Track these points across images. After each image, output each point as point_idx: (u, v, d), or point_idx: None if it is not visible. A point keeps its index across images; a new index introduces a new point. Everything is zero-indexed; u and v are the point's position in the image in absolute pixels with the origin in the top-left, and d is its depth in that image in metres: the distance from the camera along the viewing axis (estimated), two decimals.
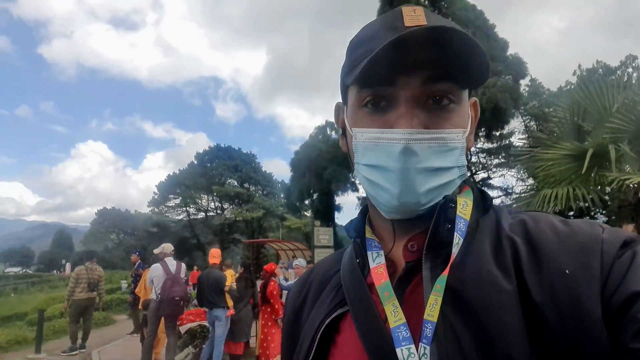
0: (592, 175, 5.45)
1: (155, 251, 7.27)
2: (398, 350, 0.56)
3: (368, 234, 0.72)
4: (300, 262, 8.42)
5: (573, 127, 5.97)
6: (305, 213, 34.04)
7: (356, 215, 0.77)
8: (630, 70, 23.04)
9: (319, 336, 0.67)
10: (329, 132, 33.16)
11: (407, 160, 0.58)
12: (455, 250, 0.59)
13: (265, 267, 7.62)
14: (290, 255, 22.26)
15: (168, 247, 7.24)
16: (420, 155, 0.58)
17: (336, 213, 30.74)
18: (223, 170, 47.78)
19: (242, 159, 49.43)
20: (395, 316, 0.59)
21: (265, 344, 6.98)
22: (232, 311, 6.84)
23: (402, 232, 0.66)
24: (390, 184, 0.60)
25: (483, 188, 0.76)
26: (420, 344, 0.56)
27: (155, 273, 6.67)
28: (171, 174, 49.54)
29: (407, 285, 0.63)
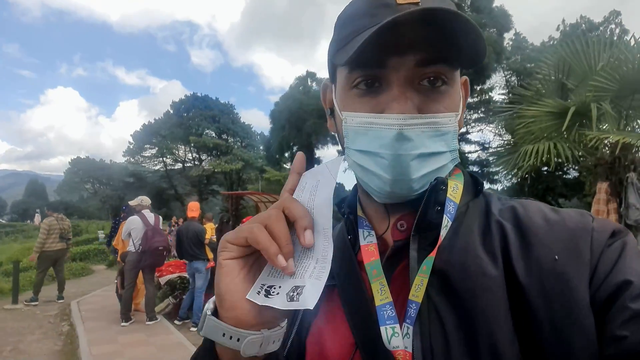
0: (573, 132, 5.49)
1: (132, 203, 7.17)
2: (382, 329, 0.57)
3: (359, 212, 0.71)
4: None
5: (557, 84, 5.95)
6: (285, 165, 33.94)
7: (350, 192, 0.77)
8: (612, 26, 22.98)
9: None
10: (309, 83, 32.49)
11: (401, 147, 0.57)
12: (443, 233, 0.59)
13: (244, 219, 7.71)
14: (269, 207, 22.41)
15: (146, 199, 7.17)
16: (415, 140, 0.57)
17: (316, 166, 30.78)
18: (200, 120, 46.73)
19: (220, 109, 48.31)
20: (381, 295, 0.60)
21: None
22: (212, 263, 6.93)
23: (393, 212, 0.66)
24: (382, 171, 0.59)
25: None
26: (404, 323, 0.57)
27: (133, 225, 6.63)
28: (146, 123, 48.25)
29: (396, 265, 0.63)
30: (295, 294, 0.51)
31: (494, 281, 0.54)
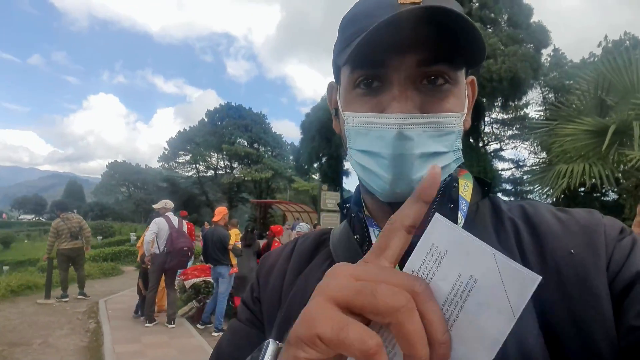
0: (612, 152, 5.25)
1: (156, 206, 7.34)
2: None
3: (365, 212, 0.70)
4: (303, 226, 8.42)
5: (596, 101, 5.72)
6: (313, 176, 34.07)
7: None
8: None
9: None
10: None
11: (401, 146, 0.56)
12: None
13: (272, 227, 7.76)
14: (296, 217, 22.48)
15: (169, 203, 7.32)
16: (416, 140, 0.56)
17: (344, 178, 30.70)
18: (233, 129, 47.67)
19: (252, 118, 49.17)
20: None
21: None
22: (235, 269, 6.97)
23: None
24: (383, 171, 0.58)
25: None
26: None
27: (159, 227, 6.76)
28: (181, 130, 49.66)
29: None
30: None
31: None
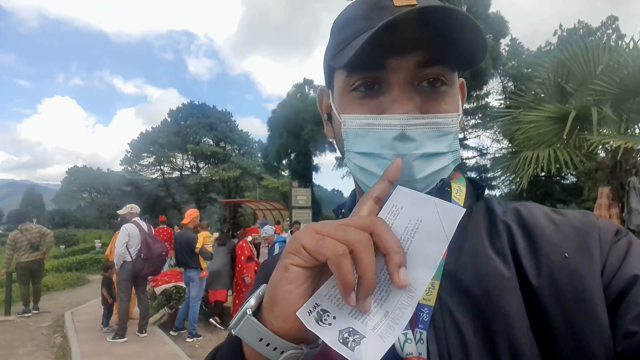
0: (574, 137, 5.42)
1: (121, 212, 7.04)
2: None
3: None
4: (268, 230, 8.29)
5: (556, 89, 5.89)
6: (282, 173, 33.90)
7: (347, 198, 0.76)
8: (610, 31, 23.04)
9: None
10: (307, 90, 32.50)
11: (403, 147, 0.56)
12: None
13: (248, 229, 7.82)
14: (267, 215, 22.31)
15: (135, 207, 7.05)
16: (418, 140, 0.56)
17: (314, 173, 30.74)
18: (198, 128, 46.65)
19: (217, 117, 48.26)
20: None
21: (237, 301, 7.27)
22: (205, 273, 6.81)
23: None
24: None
25: (468, 176, 0.73)
26: (416, 329, 0.55)
27: (132, 233, 6.49)
28: (144, 131, 48.12)
29: None
30: (350, 338, 0.45)
31: (508, 281, 0.54)
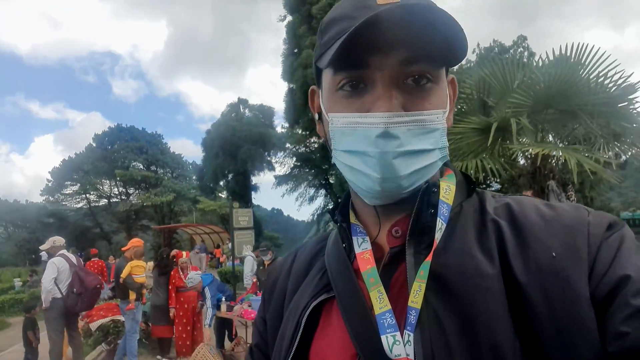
0: (497, 147, 5.87)
1: (44, 247, 6.39)
2: (383, 338, 0.56)
3: (352, 219, 0.70)
4: (193, 278, 6.87)
5: (479, 103, 6.38)
6: (220, 194, 33.13)
7: (340, 199, 0.76)
8: (521, 49, 25.46)
9: (304, 320, 0.66)
10: (242, 110, 32.28)
11: (387, 144, 0.56)
12: (438, 236, 0.58)
13: (173, 252, 7.30)
14: (206, 239, 21.60)
15: (58, 240, 6.47)
16: (401, 138, 0.57)
17: (253, 193, 30.36)
18: (126, 152, 44.49)
19: (147, 139, 46.37)
20: (380, 303, 0.59)
21: (179, 328, 6.87)
22: (131, 305, 6.33)
23: (386, 217, 0.66)
24: (371, 169, 0.58)
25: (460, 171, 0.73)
26: (405, 330, 0.55)
27: (61, 268, 5.96)
28: (66, 158, 44.99)
29: (393, 271, 0.62)
30: None
31: (491, 281, 0.53)
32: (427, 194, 0.61)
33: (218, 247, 21.08)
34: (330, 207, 0.78)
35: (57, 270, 5.90)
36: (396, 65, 0.57)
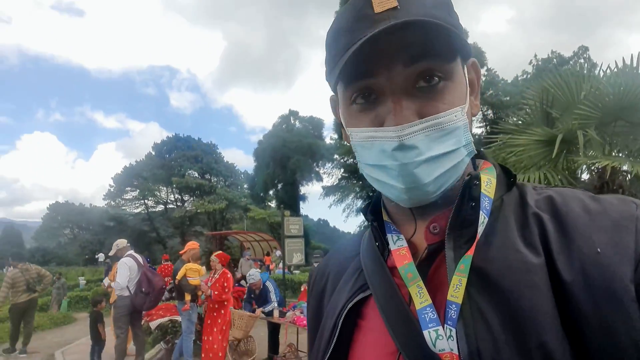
0: (561, 160, 5.66)
1: (111, 253, 6.86)
2: (425, 333, 0.55)
3: (385, 217, 0.70)
4: (254, 275, 7.42)
5: (542, 114, 6.18)
6: (269, 203, 33.77)
7: (369, 200, 0.75)
8: (582, 61, 24.27)
9: (341, 321, 0.66)
10: (292, 121, 32.90)
11: (405, 156, 0.55)
12: (480, 230, 0.57)
13: (216, 254, 7.30)
14: (255, 246, 22.05)
15: (121, 242, 6.92)
16: (420, 146, 0.55)
17: (301, 203, 30.70)
18: (183, 161, 46.58)
19: (202, 149, 48.33)
20: (420, 297, 0.58)
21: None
22: (187, 306, 6.58)
23: (421, 216, 0.65)
24: (395, 181, 0.58)
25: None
26: (445, 325, 0.54)
27: (130, 268, 6.34)
28: (127, 165, 47.77)
29: (430, 266, 0.61)
30: None
31: (538, 276, 0.52)
32: (469, 187, 0.60)
33: (267, 254, 21.43)
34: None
35: (129, 269, 6.26)
36: (402, 69, 0.56)
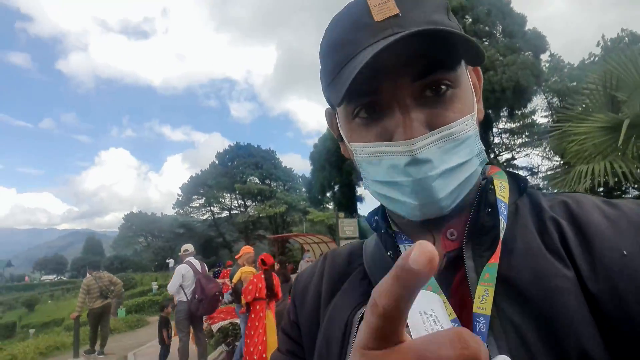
0: (630, 146, 5.16)
1: (181, 253, 7.28)
2: None
3: (393, 227, 0.66)
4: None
5: (606, 98, 5.67)
6: (327, 206, 33.99)
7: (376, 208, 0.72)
8: None
9: (356, 326, 0.59)
10: None
11: (419, 171, 0.52)
12: (502, 236, 0.54)
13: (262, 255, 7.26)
14: (315, 248, 22.30)
15: (188, 247, 7.26)
16: (433, 160, 0.52)
17: (358, 204, 30.57)
18: (244, 168, 48.18)
19: (262, 155, 49.72)
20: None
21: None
22: (243, 309, 6.54)
23: (435, 225, 0.60)
24: (407, 197, 0.55)
25: (508, 169, 0.67)
26: None
27: (183, 275, 6.64)
28: (193, 175, 50.28)
29: (451, 277, 0.56)
30: None
31: (570, 281, 0.49)
32: (485, 192, 0.58)
33: None
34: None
35: (181, 276, 6.55)
36: (409, 84, 0.53)
